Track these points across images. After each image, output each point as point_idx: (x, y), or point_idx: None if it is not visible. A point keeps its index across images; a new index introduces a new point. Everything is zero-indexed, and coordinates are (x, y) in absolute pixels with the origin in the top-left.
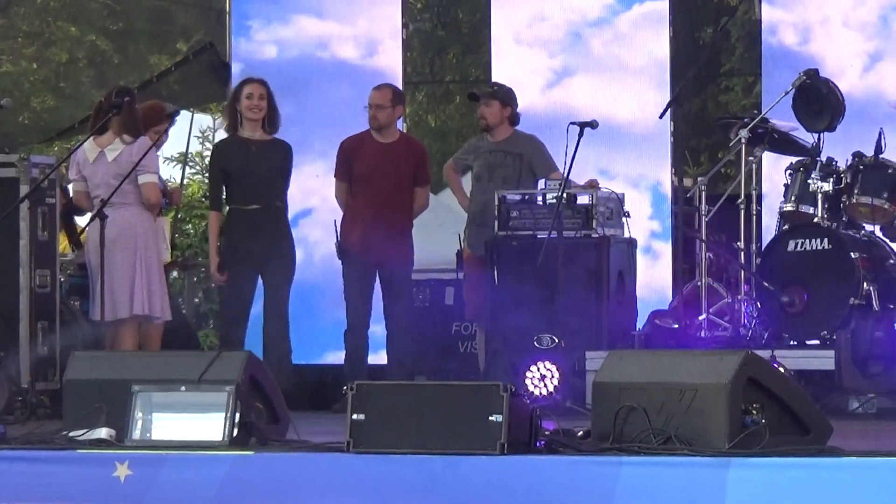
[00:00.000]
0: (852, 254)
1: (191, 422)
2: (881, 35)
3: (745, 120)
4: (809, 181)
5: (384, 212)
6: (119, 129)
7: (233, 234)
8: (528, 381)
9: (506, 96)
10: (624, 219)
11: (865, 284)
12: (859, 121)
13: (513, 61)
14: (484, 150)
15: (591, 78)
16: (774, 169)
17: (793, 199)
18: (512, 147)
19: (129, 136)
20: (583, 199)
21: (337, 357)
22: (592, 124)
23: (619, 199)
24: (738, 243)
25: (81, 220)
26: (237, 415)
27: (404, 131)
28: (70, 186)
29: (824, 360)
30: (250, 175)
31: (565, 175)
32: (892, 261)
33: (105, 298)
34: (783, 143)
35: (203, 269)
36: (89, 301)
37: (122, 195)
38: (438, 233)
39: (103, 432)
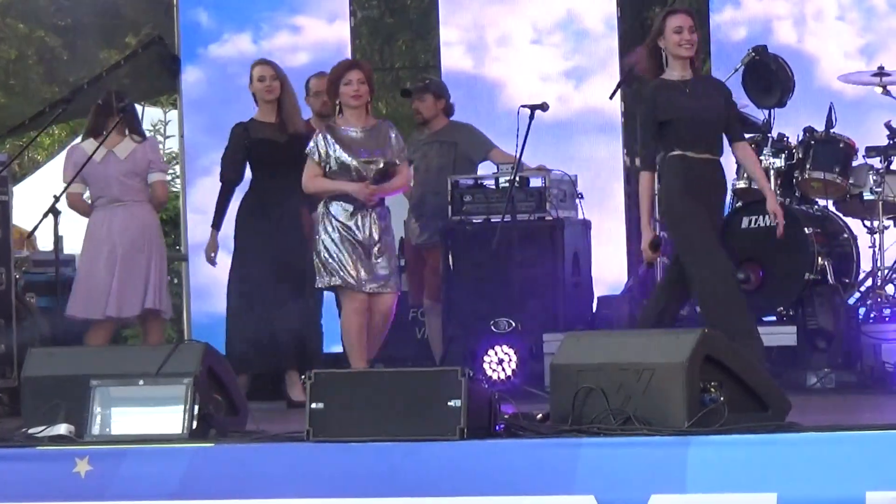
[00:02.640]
0: (806, 229)
1: (150, 415)
2: None
3: None
4: (761, 158)
5: None
6: (128, 130)
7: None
8: (485, 366)
9: (438, 89)
10: (577, 200)
11: (820, 259)
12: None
13: (461, 47)
14: (421, 142)
15: (541, 59)
16: (725, 147)
17: (745, 176)
18: (445, 136)
19: (138, 136)
20: (535, 182)
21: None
22: (543, 106)
23: (573, 181)
24: None
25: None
26: (196, 407)
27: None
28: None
29: (783, 335)
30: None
31: (517, 158)
32: (845, 235)
33: (113, 294)
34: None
35: None
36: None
37: (134, 193)
38: (397, 220)
39: (62, 428)
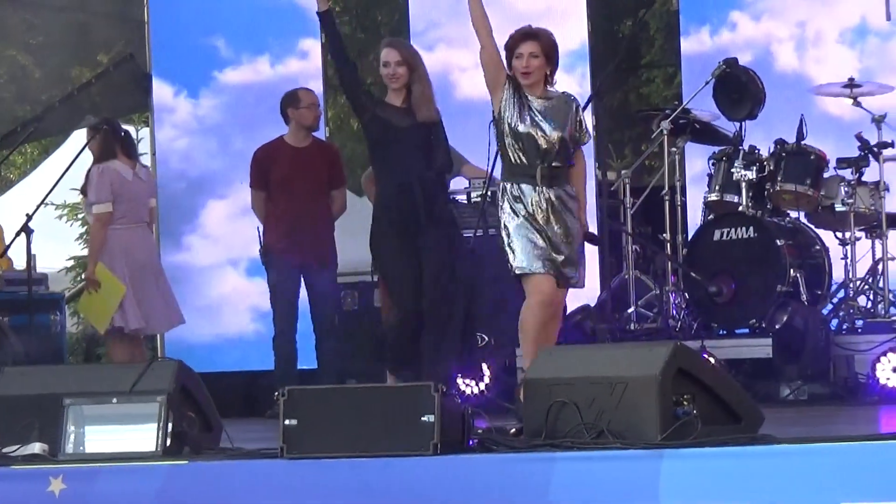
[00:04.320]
0: (778, 241)
1: (124, 433)
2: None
3: (667, 111)
4: (733, 170)
5: (305, 216)
6: (131, 155)
7: None
8: (459, 381)
9: None
10: None
11: (792, 271)
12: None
13: (433, 60)
14: None
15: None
16: (698, 159)
17: (717, 188)
18: None
19: (139, 162)
20: None
21: (267, 363)
22: None
23: None
24: (664, 235)
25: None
26: (169, 424)
27: (326, 135)
28: (96, 210)
29: (755, 348)
30: None
31: (489, 172)
32: (817, 247)
33: (149, 310)
34: (705, 133)
35: None
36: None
37: (147, 214)
38: (365, 235)
39: (36, 447)
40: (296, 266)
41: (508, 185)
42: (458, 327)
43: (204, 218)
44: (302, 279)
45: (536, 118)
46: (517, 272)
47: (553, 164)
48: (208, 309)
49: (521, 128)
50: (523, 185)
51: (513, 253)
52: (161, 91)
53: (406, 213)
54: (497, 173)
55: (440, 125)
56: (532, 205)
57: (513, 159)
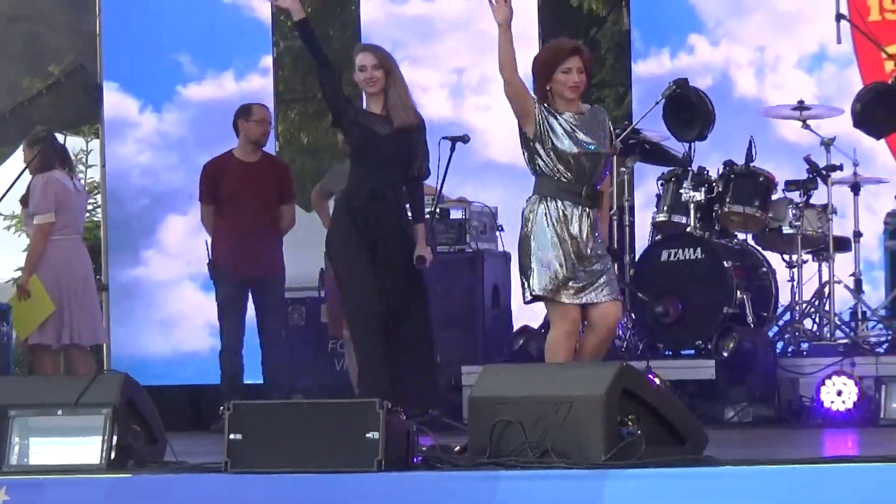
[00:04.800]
0: (725, 263)
1: (68, 446)
2: None
3: (617, 131)
4: (681, 191)
5: (253, 231)
6: (70, 165)
7: None
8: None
9: None
10: (498, 233)
11: (739, 293)
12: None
13: None
14: (345, 173)
15: (457, 92)
16: (647, 179)
17: (665, 209)
18: None
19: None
20: (456, 214)
21: (214, 377)
22: (464, 139)
23: (493, 213)
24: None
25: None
26: (114, 437)
27: (276, 149)
28: (37, 220)
29: (701, 369)
30: None
31: (438, 190)
32: (764, 269)
33: (82, 322)
34: (655, 154)
35: None
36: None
37: (82, 227)
38: (314, 251)
39: None
40: (243, 281)
41: (552, 205)
42: (431, 340)
43: (163, 233)
44: (249, 294)
45: (578, 136)
46: (538, 293)
47: (596, 184)
48: (165, 323)
49: (565, 147)
50: (566, 203)
51: (536, 275)
52: (126, 105)
53: (374, 221)
54: (446, 191)
55: (421, 129)
56: (576, 228)
57: (556, 178)
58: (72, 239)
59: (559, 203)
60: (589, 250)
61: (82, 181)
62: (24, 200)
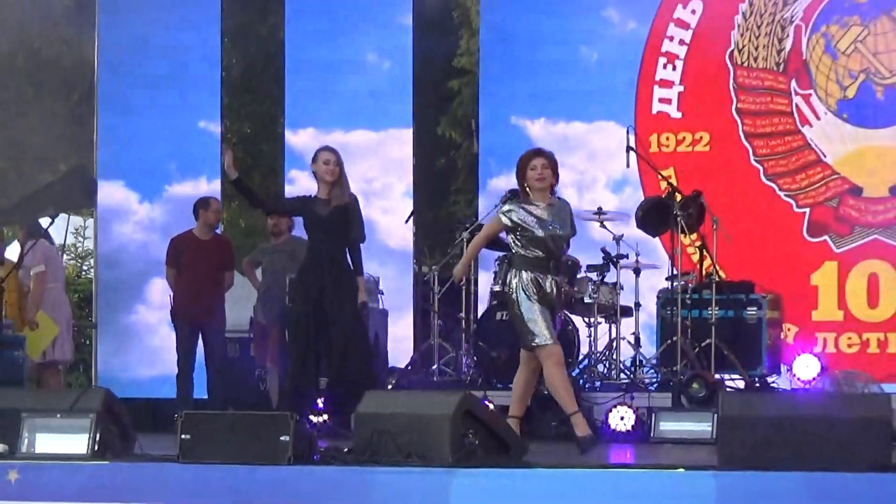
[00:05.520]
0: None
1: (64, 440)
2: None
3: (466, 224)
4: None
5: (203, 288)
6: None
7: None
8: (309, 413)
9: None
10: (379, 296)
11: None
12: None
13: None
14: (269, 250)
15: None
16: (489, 259)
17: (499, 281)
18: (286, 247)
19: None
20: None
21: (171, 392)
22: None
23: (376, 281)
24: (461, 314)
25: None
26: (98, 434)
27: (221, 230)
28: (34, 271)
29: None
30: None
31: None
32: (570, 327)
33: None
34: (495, 242)
35: None
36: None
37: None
38: (244, 303)
39: (0, 447)
40: (195, 324)
41: (527, 276)
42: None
43: (149, 292)
44: (200, 334)
45: (548, 224)
46: (539, 343)
47: (560, 259)
48: (148, 354)
49: (539, 233)
50: (538, 275)
51: (534, 329)
52: (128, 197)
53: (316, 282)
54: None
55: (356, 203)
56: (548, 289)
57: (530, 256)
58: (58, 288)
59: (536, 275)
60: (555, 304)
61: (79, 249)
62: (19, 264)
